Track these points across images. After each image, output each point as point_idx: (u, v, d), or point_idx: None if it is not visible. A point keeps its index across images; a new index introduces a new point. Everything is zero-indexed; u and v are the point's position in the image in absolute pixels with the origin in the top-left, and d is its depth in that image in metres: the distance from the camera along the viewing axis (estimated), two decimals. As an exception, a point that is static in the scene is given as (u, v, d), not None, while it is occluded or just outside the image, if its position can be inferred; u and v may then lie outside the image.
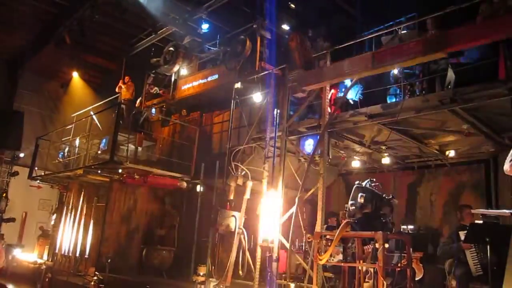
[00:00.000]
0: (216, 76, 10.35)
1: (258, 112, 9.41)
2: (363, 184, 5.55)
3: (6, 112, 15.24)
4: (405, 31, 7.52)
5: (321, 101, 8.17)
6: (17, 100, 15.75)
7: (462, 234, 5.94)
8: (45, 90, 16.63)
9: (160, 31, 12.19)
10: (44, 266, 10.44)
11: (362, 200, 5.38)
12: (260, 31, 9.40)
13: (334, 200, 10.99)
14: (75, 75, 16.01)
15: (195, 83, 10.94)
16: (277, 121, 8.56)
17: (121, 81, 12.65)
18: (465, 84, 6.39)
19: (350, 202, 5.50)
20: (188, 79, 11.32)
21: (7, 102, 15.58)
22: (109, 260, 9.03)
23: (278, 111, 8.67)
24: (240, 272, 7.90)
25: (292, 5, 9.89)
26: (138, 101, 12.73)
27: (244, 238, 8.02)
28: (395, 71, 8.07)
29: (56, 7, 12.41)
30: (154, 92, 12.40)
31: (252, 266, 7.99)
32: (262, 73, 9.25)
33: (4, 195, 14.68)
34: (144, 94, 12.46)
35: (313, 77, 7.92)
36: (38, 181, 13.38)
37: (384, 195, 5.66)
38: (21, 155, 15.17)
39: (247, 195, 8.35)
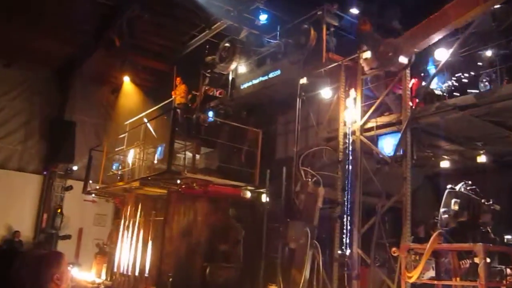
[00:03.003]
0: (278, 72, 10.41)
1: (328, 109, 9.38)
2: (457, 188, 5.44)
3: (58, 123, 16.26)
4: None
5: (400, 93, 8.01)
6: (68, 110, 16.69)
7: None
8: (96, 97, 17.52)
9: (214, 26, 12.42)
10: (102, 286, 11.01)
11: (457, 207, 5.28)
12: (325, 18, 9.35)
13: (420, 207, 10.67)
14: (126, 79, 16.71)
15: (255, 81, 11.06)
16: (350, 118, 8.50)
17: (173, 92, 12.97)
18: None
19: (442, 210, 5.41)
20: (247, 76, 11.48)
21: (58, 112, 16.58)
22: (170, 279, 9.36)
23: (351, 107, 8.61)
24: (315, 291, 7.90)
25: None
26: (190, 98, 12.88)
27: (318, 252, 8.00)
28: (488, 53, 7.76)
29: (104, 8, 13.01)
30: (211, 94, 12.64)
31: (328, 285, 7.96)
32: (330, 66, 9.21)
33: (59, 211, 15.62)
34: (201, 97, 12.72)
35: (411, 39, 7.61)
36: (93, 195, 14.02)
37: (482, 200, 5.50)
38: (74, 168, 16.05)
39: (319, 204, 8.32)
